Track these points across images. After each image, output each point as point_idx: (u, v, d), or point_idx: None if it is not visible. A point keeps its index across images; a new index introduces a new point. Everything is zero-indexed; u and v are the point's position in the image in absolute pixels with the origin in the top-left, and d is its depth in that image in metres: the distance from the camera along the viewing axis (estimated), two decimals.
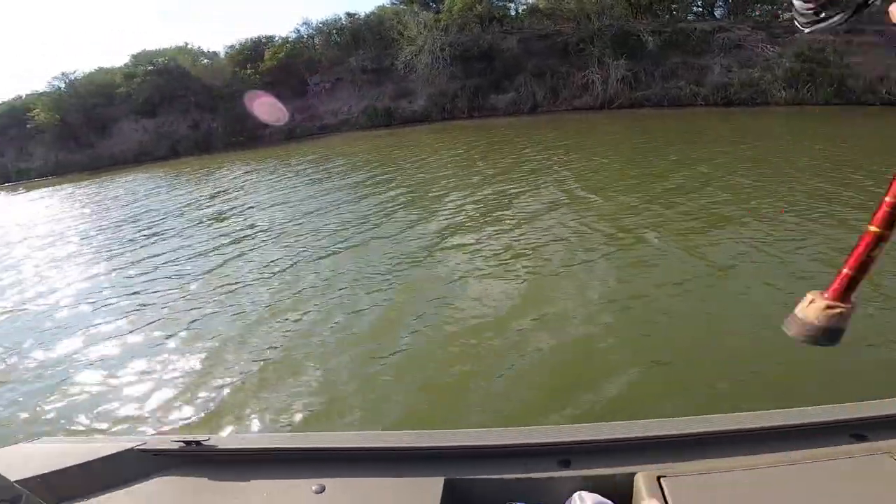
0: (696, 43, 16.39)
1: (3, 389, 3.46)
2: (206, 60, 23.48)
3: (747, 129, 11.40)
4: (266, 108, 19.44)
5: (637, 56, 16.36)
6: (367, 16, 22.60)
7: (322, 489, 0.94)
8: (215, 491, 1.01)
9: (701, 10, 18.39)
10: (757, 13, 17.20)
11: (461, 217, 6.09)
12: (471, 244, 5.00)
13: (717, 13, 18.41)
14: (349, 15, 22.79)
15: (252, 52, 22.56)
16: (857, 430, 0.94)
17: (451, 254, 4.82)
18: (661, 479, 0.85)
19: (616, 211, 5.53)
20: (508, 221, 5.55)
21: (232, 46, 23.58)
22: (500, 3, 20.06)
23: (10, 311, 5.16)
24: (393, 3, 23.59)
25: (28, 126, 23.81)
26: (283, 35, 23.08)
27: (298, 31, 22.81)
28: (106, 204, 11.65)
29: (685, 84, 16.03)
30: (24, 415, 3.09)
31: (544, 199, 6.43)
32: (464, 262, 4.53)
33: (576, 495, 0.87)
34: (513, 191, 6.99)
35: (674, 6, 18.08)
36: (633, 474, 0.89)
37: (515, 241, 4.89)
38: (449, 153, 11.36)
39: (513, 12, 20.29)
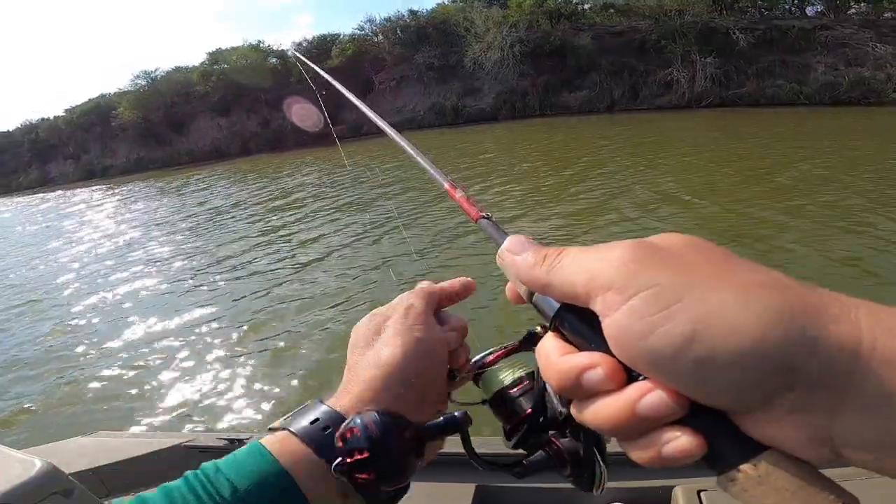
0: (793, 41, 15.66)
1: (71, 376, 3.82)
2: (274, 59, 24.94)
3: (866, 128, 10.77)
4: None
5: (726, 54, 15.84)
6: (431, 12, 23.18)
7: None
8: None
9: (789, 7, 17.49)
10: (853, 10, 16.17)
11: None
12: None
13: (809, 11, 17.53)
14: (412, 12, 23.47)
15: (317, 51, 23.75)
16: None
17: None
18: (702, 494, 0.82)
19: (735, 215, 5.25)
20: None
21: (300, 44, 24.91)
22: (571, 0, 19.90)
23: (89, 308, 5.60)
24: (453, 1, 24.08)
25: (112, 124, 26.26)
26: (348, 33, 24.16)
27: (363, 28, 23.74)
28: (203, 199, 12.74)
29: (784, 83, 15.39)
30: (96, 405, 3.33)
31: (653, 204, 6.15)
32: None
33: None
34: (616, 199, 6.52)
35: (762, 3, 17.31)
36: (671, 488, 0.87)
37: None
38: (541, 152, 11.50)
39: (585, 6, 20.09)
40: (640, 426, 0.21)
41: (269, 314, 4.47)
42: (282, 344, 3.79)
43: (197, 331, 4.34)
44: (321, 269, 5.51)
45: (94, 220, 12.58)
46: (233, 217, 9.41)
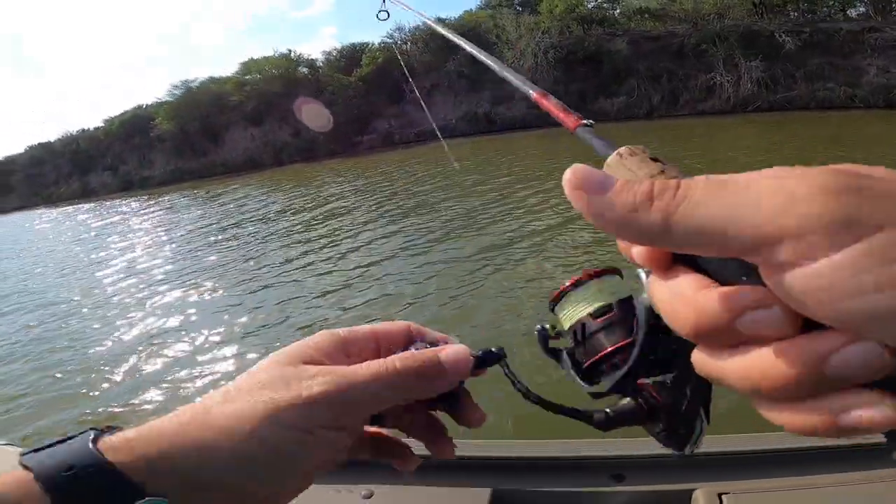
0: (841, 43, 15.35)
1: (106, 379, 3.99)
2: (304, 69, 25.76)
3: None
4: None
5: (771, 57, 15.60)
6: (459, 20, 23.50)
7: (370, 495, 0.95)
8: None
9: (829, 10, 17.06)
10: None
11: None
12: None
13: (852, 13, 17.09)
14: (440, 20, 23.83)
15: (347, 61, 24.41)
16: None
17: None
18: (723, 497, 0.82)
19: None
20: None
21: (329, 53, 25.67)
22: (603, 5, 19.87)
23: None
24: (480, 8, 24.37)
25: (151, 134, 27.59)
26: (377, 42, 24.73)
27: (392, 36, 24.26)
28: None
29: (835, 86, 15.09)
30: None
31: None
32: None
33: None
34: None
35: (803, 6, 16.96)
36: (691, 491, 0.85)
37: None
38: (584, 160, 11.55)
39: (615, 12, 20.03)
40: (820, 385, 0.17)
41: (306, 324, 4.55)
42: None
43: (219, 340, 4.54)
44: (352, 280, 5.62)
45: (132, 230, 13.25)
46: (272, 227, 9.74)
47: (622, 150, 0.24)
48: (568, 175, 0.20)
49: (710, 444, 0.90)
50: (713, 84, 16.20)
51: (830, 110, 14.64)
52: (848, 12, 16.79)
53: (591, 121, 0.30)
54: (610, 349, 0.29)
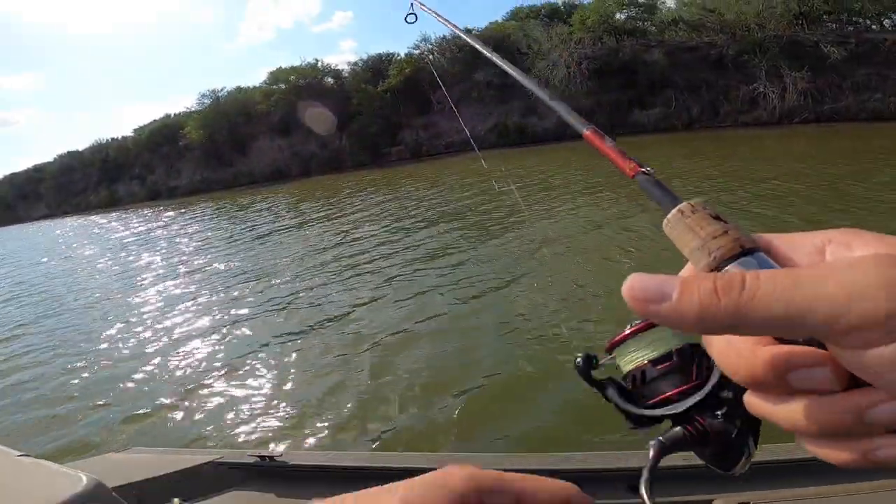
0: (887, 53, 15.30)
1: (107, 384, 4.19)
2: (330, 79, 26.64)
3: None
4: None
5: (817, 68, 15.59)
6: (485, 30, 24.06)
7: None
8: None
9: (864, 21, 16.95)
10: None
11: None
12: None
13: (887, 23, 16.99)
14: (467, 30, 24.36)
15: (372, 72, 25.14)
16: None
17: None
18: None
19: None
20: None
21: (356, 64, 26.53)
22: (637, 15, 20.10)
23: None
24: (506, 19, 24.87)
25: (180, 144, 28.72)
26: (403, 53, 25.46)
27: (418, 46, 24.97)
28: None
29: (883, 96, 14.98)
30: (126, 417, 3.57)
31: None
32: None
33: None
34: None
35: (843, 16, 16.90)
36: (710, 501, 0.88)
37: None
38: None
39: (647, 25, 20.22)
40: (858, 430, 0.21)
41: (311, 337, 4.74)
42: (319, 367, 4.03)
43: (232, 348, 4.70)
44: (372, 297, 5.77)
45: (159, 238, 13.92)
46: (293, 239, 10.07)
47: (683, 206, 0.25)
48: (626, 288, 0.22)
49: None
50: (756, 95, 16.20)
51: (880, 121, 14.51)
52: (883, 23, 16.66)
53: (650, 168, 0.31)
54: (671, 393, 0.32)
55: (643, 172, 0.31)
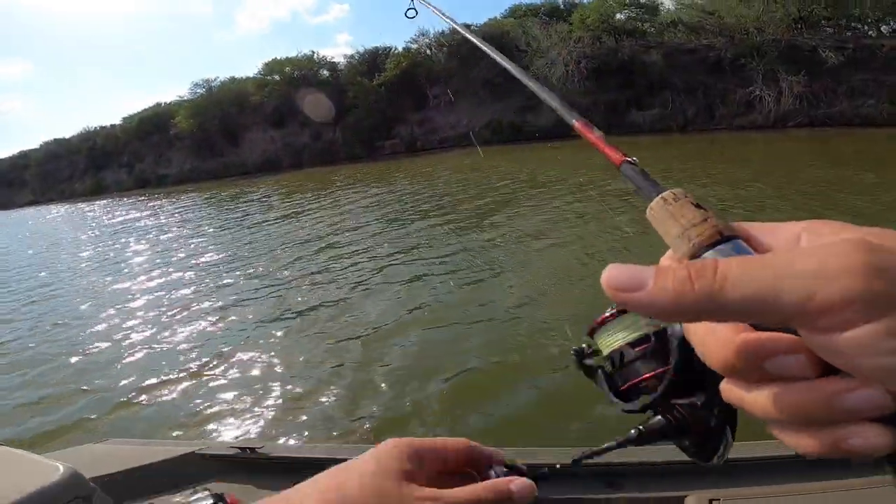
0: (884, 59, 15.47)
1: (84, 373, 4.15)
2: (325, 72, 26.45)
3: None
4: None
5: (814, 72, 15.73)
6: (484, 26, 24.04)
7: None
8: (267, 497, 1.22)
9: (861, 25, 17.19)
10: None
11: None
12: None
13: (884, 29, 17.23)
14: (466, 26, 24.31)
15: (368, 65, 25.02)
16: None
17: None
18: (713, 503, 0.89)
19: None
20: None
21: (352, 57, 26.39)
22: (638, 16, 20.20)
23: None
24: (505, 17, 24.88)
25: (171, 133, 28.36)
26: (400, 48, 25.37)
27: (416, 41, 24.88)
28: None
29: (876, 102, 15.15)
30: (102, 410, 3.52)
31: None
32: None
33: None
34: None
35: (842, 21, 17.10)
36: (683, 497, 0.91)
37: None
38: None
39: (646, 26, 20.33)
40: (831, 418, 0.21)
41: (298, 327, 4.71)
42: (304, 358, 4.03)
43: (217, 338, 4.66)
44: (358, 288, 5.77)
45: (147, 227, 13.78)
46: (283, 229, 9.99)
47: (666, 194, 0.27)
48: (605, 277, 0.22)
49: None
50: (752, 98, 16.31)
51: (873, 127, 14.71)
52: (882, 28, 16.85)
53: (635, 158, 0.32)
54: (646, 375, 0.33)
55: (628, 162, 0.32)
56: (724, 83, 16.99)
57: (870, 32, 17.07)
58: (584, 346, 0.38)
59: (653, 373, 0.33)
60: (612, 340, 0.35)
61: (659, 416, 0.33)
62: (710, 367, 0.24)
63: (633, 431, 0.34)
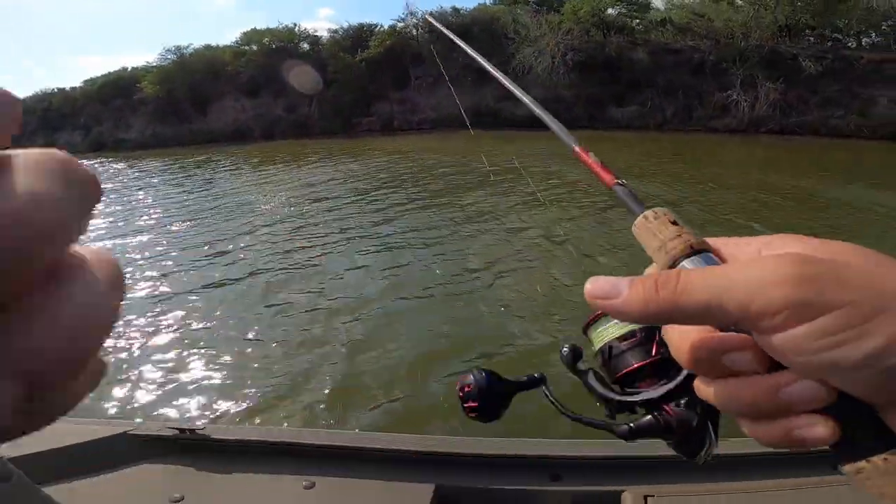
0: (860, 72, 16.01)
1: None
2: (306, 45, 25.69)
3: None
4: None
5: (792, 81, 16.19)
6: (474, 11, 23.92)
7: (312, 486, 1.01)
8: (206, 481, 1.07)
9: (843, 37, 17.92)
10: None
11: None
12: None
13: (864, 41, 17.97)
14: (455, 10, 24.21)
15: (352, 41, 24.45)
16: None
17: None
18: (649, 499, 0.94)
19: None
20: None
21: (336, 32, 25.74)
22: (629, 13, 20.45)
23: None
24: (495, 3, 24.84)
25: (134, 98, 26.92)
26: (386, 26, 24.93)
27: (403, 19, 24.47)
28: None
29: (845, 114, 15.68)
30: None
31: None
32: None
33: None
34: None
35: (825, 31, 17.74)
36: (620, 492, 0.96)
37: None
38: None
39: (635, 23, 20.64)
40: (777, 410, 0.24)
41: (238, 304, 4.57)
42: (248, 336, 3.92)
43: (156, 315, 4.43)
44: (316, 260, 5.67)
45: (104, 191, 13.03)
46: (232, 203, 9.58)
47: (648, 213, 0.31)
48: (587, 289, 0.27)
49: (641, 448, 1.02)
50: (729, 102, 16.66)
51: (839, 138, 15.23)
52: (863, 41, 17.51)
53: (624, 181, 0.36)
54: (636, 366, 0.37)
55: (619, 183, 0.36)
56: (703, 85, 17.38)
57: (849, 44, 17.71)
58: (571, 346, 0.41)
59: (639, 363, 0.37)
60: (604, 335, 0.39)
61: (648, 416, 0.36)
62: (680, 363, 0.28)
63: (624, 427, 0.37)
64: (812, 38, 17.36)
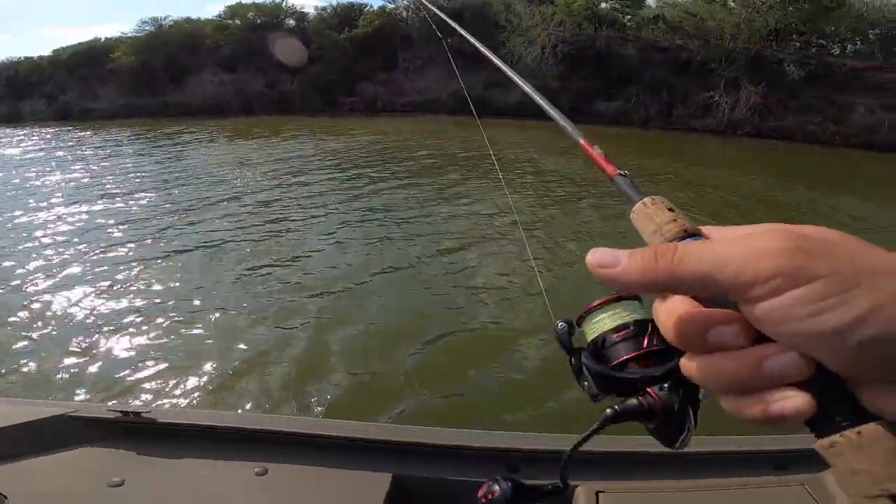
0: (842, 79, 16.45)
1: None
2: (292, 21, 25.13)
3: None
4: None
5: (774, 85, 16.53)
6: None
7: (264, 472, 1.01)
8: (149, 465, 1.05)
9: (827, 43, 18.46)
10: None
11: None
12: None
13: (849, 48, 18.51)
14: None
15: (340, 19, 24.05)
16: (780, 461, 1.07)
17: None
18: (600, 495, 0.97)
19: None
20: None
21: (324, 9, 25.29)
22: (621, 8, 20.65)
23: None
24: None
25: (106, 68, 25.80)
26: (376, 6, 24.56)
27: (393, 0, 24.15)
28: None
29: (822, 121, 16.08)
30: None
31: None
32: None
33: None
34: None
35: (814, 38, 18.22)
36: (575, 487, 1.00)
37: None
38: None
39: (627, 19, 20.86)
40: (759, 383, 0.25)
41: (196, 278, 4.47)
42: (206, 312, 3.84)
43: (102, 286, 4.31)
44: (280, 237, 5.64)
45: (63, 160, 12.44)
46: (189, 176, 9.41)
47: (646, 200, 0.34)
48: (589, 257, 0.29)
49: (596, 443, 1.06)
50: (711, 103, 16.93)
51: (815, 144, 15.62)
52: (847, 49, 17.99)
53: (627, 172, 0.38)
54: (626, 357, 0.38)
55: (620, 174, 0.39)
56: (687, 85, 17.61)
57: (833, 51, 18.19)
58: (565, 323, 0.41)
59: (631, 354, 0.38)
60: (597, 327, 0.39)
61: (633, 400, 0.37)
62: (668, 340, 0.29)
63: (608, 411, 0.38)
64: (798, 44, 17.80)
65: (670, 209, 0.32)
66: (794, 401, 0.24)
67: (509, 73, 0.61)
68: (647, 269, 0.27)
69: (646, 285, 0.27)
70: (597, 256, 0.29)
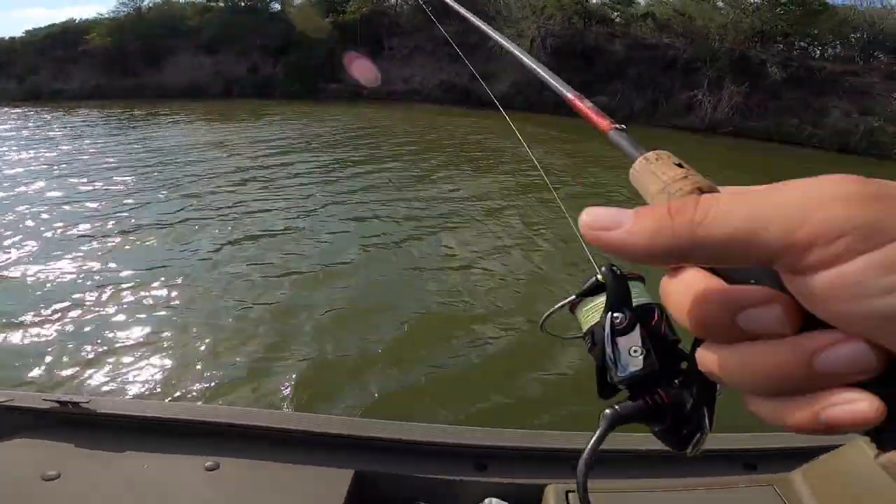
0: (820, 82, 16.83)
1: None
2: (277, 5, 24.68)
3: None
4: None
5: (757, 85, 16.83)
6: None
7: (216, 467, 0.97)
8: (87, 458, 1.00)
9: (807, 46, 18.87)
10: (882, 59, 17.63)
11: None
12: None
13: (829, 52, 18.96)
14: None
15: (328, 4, 23.71)
16: (750, 461, 1.07)
17: None
18: (570, 494, 0.95)
19: None
20: None
21: None
22: (611, 4, 20.81)
23: None
24: None
25: (79, 49, 24.99)
26: None
27: None
28: None
29: (799, 123, 16.43)
30: None
31: None
32: None
33: (486, 501, 0.97)
34: None
35: (797, 40, 18.61)
36: (544, 486, 0.97)
37: None
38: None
39: (615, 14, 21.03)
40: (808, 383, 0.18)
41: (157, 259, 4.38)
42: (163, 295, 3.74)
43: (53, 277, 4.13)
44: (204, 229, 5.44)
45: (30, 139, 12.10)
46: (160, 162, 9.20)
47: (648, 154, 0.27)
48: (583, 218, 0.22)
49: (566, 441, 1.03)
50: (694, 102, 17.17)
51: (791, 145, 15.97)
52: (826, 53, 18.41)
53: (623, 125, 0.34)
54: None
55: (616, 128, 0.34)
56: (672, 82, 17.84)
57: (814, 54, 18.60)
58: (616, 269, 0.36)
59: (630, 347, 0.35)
60: (593, 317, 0.36)
61: (640, 400, 0.33)
62: (683, 326, 0.23)
63: (608, 411, 0.34)
64: (782, 46, 18.18)
65: (679, 164, 0.25)
66: (858, 406, 0.18)
67: (500, 39, 0.58)
68: (659, 230, 0.20)
69: (655, 253, 0.20)
70: (593, 216, 0.22)
